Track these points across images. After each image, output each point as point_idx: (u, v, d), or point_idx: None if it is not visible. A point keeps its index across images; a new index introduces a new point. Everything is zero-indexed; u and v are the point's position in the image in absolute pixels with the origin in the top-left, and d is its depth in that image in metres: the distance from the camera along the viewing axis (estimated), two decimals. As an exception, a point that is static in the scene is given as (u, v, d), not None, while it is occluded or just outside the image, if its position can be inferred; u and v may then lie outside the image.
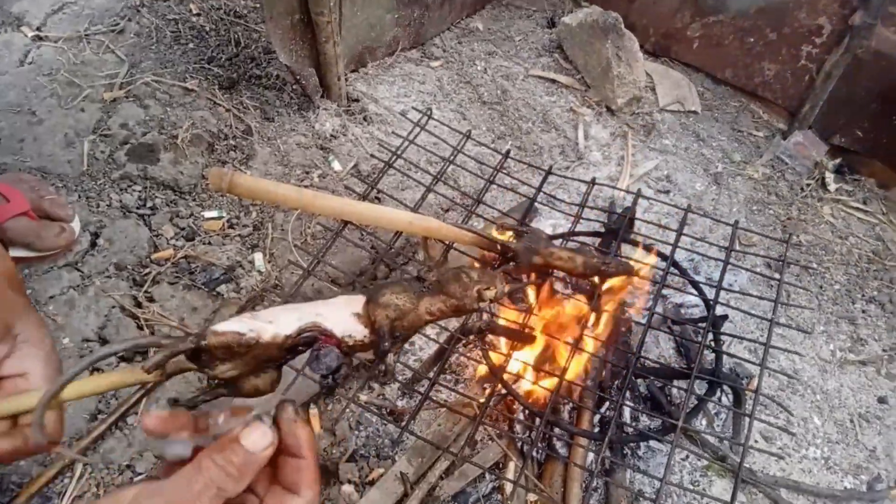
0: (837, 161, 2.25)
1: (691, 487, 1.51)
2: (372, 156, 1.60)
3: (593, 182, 1.61)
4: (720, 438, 1.55)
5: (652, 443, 1.54)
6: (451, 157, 1.53)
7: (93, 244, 1.50)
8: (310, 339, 0.78)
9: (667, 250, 1.44)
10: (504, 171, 1.51)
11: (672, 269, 1.47)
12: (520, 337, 1.43)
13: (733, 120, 2.35)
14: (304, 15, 1.72)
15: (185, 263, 1.54)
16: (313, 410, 1.48)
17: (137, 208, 1.60)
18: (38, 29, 1.91)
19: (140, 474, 1.28)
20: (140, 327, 1.41)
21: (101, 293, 1.42)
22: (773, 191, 2.17)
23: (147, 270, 1.50)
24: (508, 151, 1.58)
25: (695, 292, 1.48)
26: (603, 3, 2.43)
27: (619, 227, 1.53)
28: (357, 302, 0.81)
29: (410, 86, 2.08)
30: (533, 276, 1.37)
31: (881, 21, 2.02)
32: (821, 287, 1.96)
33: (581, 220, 1.47)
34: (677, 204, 2.01)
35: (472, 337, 1.54)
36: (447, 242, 1.39)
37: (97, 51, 1.87)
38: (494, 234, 1.32)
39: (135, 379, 0.72)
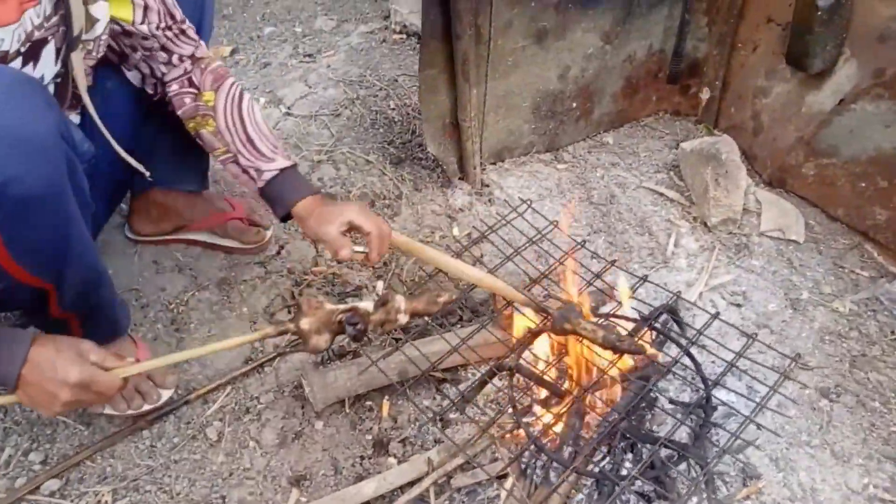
0: (938, 312, 2.26)
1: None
2: (474, 227, 2.15)
3: (644, 278, 1.99)
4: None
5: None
6: (534, 238, 2.04)
7: (278, 252, 2.25)
8: (349, 318, 1.40)
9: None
10: (575, 259, 1.96)
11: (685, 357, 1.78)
12: (538, 380, 1.85)
13: (839, 256, 2.47)
14: (452, 118, 2.36)
15: (331, 277, 2.22)
16: (385, 400, 2.03)
17: (304, 237, 2.33)
18: (289, 108, 2.83)
19: (265, 405, 1.94)
20: (288, 311, 2.09)
21: (273, 286, 2.15)
22: (858, 327, 2.26)
23: (306, 277, 2.20)
24: (584, 241, 2.03)
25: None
26: (734, 134, 2.75)
27: (651, 318, 1.89)
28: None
29: (533, 180, 2.61)
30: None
31: None
32: (873, 424, 2.02)
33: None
34: (743, 321, 2.23)
35: (504, 372, 1.98)
36: (507, 300, 1.88)
37: (319, 126, 2.72)
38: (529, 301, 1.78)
39: (262, 335, 1.42)
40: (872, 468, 1.94)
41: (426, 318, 1.85)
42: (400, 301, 1.61)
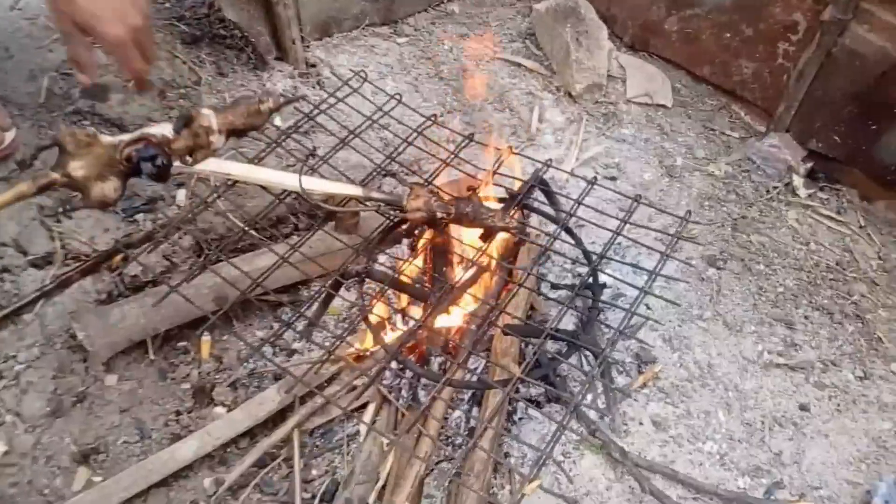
0: (809, 165, 2.14)
1: (556, 457, 1.47)
2: (296, 109, 1.68)
3: (510, 149, 1.62)
4: (593, 411, 1.51)
5: (531, 412, 1.52)
6: (375, 118, 1.59)
7: (30, 164, 1.64)
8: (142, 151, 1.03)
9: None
10: (425, 135, 1.54)
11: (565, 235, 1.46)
12: (395, 284, 1.46)
13: (708, 118, 2.29)
14: (255, -25, 1.83)
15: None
16: (206, 337, 1.56)
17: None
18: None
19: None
20: (52, 239, 1.53)
21: (27, 204, 1.56)
22: (734, 190, 2.10)
23: (75, 194, 1.63)
24: (436, 116, 1.62)
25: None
26: (589, -5, 2.44)
27: (521, 193, 1.53)
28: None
29: (370, 57, 2.15)
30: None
31: (855, 18, 1.93)
32: (761, 288, 1.87)
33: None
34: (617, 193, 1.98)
35: (350, 280, 1.58)
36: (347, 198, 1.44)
37: (83, 4, 2.05)
38: (374, 193, 1.36)
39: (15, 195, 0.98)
40: (765, 333, 1.79)
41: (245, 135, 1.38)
42: (209, 116, 1.13)
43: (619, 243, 1.84)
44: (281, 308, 1.66)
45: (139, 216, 1.64)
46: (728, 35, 2.20)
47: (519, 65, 2.27)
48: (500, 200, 1.64)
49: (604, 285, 1.50)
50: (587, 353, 1.54)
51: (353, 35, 2.19)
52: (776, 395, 1.67)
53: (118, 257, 1.54)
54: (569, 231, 1.51)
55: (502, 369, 1.39)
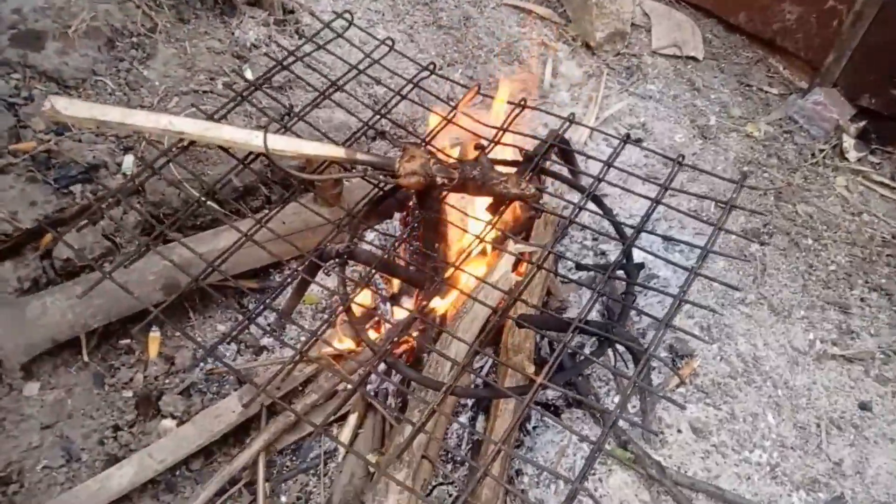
0: (860, 125, 1.87)
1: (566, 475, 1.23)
2: (267, 55, 1.40)
3: (522, 104, 1.35)
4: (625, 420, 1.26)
5: (546, 419, 1.27)
6: (361, 66, 1.30)
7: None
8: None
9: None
10: (421, 86, 1.26)
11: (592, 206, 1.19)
12: (385, 267, 1.20)
13: (743, 73, 2.00)
14: None
15: (44, 158, 1.39)
16: (154, 333, 1.30)
17: (10, 96, 1.46)
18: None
19: None
20: (-33, 215, 1.26)
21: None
22: (776, 153, 1.82)
23: None
24: (433, 65, 1.34)
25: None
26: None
27: (538, 153, 1.26)
28: None
29: (358, 2, 1.86)
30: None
31: (926, -52, 1.64)
32: (811, 266, 1.61)
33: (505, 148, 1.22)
34: (646, 158, 1.70)
35: (329, 263, 1.32)
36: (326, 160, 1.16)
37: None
38: (360, 155, 1.09)
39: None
40: (816, 319, 1.54)
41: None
42: None
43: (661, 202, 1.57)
44: (248, 296, 1.41)
45: (75, 187, 1.36)
46: (770, -26, 1.91)
47: (529, 11, 1.98)
48: (513, 164, 1.37)
49: (641, 265, 1.24)
50: (620, 348, 1.28)
51: (338, -24, 1.90)
52: (832, 393, 1.43)
53: (47, 237, 1.27)
54: (597, 200, 1.24)
55: (515, 370, 1.14)
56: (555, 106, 1.81)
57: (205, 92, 1.57)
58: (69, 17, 1.57)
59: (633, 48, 1.96)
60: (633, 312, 1.38)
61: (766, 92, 1.97)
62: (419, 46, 1.81)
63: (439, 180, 1.07)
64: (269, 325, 1.35)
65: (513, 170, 1.32)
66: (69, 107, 1.02)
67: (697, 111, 1.86)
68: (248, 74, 1.64)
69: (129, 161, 1.43)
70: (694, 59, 1.98)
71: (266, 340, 1.30)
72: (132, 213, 1.33)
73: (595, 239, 1.51)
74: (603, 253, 1.50)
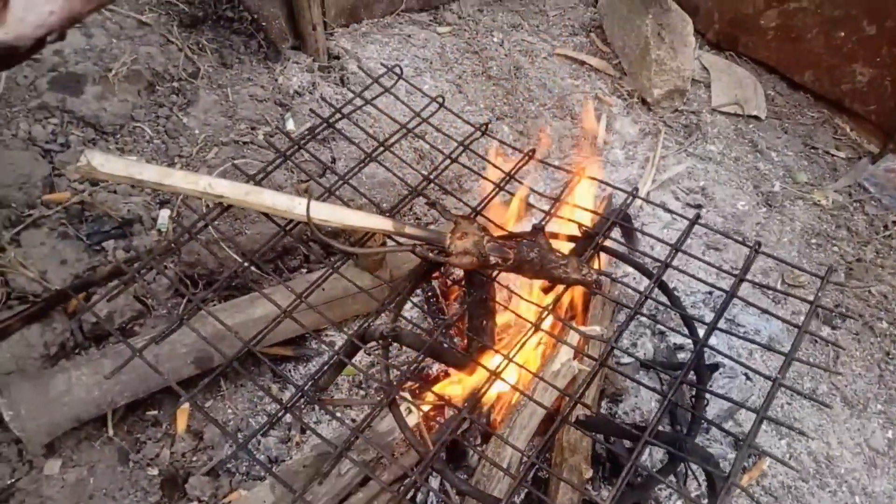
0: (940, 197, 1.74)
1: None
2: (312, 111, 1.32)
3: (580, 174, 1.26)
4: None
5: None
6: (410, 126, 1.23)
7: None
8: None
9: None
10: (472, 150, 1.18)
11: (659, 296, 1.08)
12: (434, 353, 1.10)
13: (808, 134, 1.89)
14: (270, -55, 1.48)
15: (78, 210, 1.32)
16: (183, 406, 1.22)
17: (46, 142, 1.40)
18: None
19: None
20: (-6, 272, 1.19)
21: (-37, 227, 1.23)
22: (845, 224, 1.70)
23: (31, 212, 1.30)
24: (487, 125, 1.26)
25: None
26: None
27: (600, 232, 1.16)
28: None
29: (405, 49, 1.79)
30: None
31: None
32: (887, 353, 1.49)
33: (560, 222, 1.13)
34: (691, 217, 1.59)
35: (372, 345, 1.23)
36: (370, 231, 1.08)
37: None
38: (409, 229, 1.01)
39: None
40: (895, 415, 1.41)
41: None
42: None
43: (709, 293, 1.46)
44: (283, 363, 1.32)
45: (108, 243, 1.29)
46: (841, 34, 1.80)
47: (582, 63, 1.89)
48: (570, 238, 1.27)
49: (715, 367, 1.13)
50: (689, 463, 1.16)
51: (386, 22, 1.83)
52: (916, 502, 1.29)
53: (76, 299, 1.19)
54: (665, 288, 1.14)
55: (571, 486, 1.03)
56: (609, 165, 1.71)
57: (245, 143, 1.50)
58: (110, 60, 1.52)
59: (691, 104, 1.87)
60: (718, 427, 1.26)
61: (833, 156, 1.86)
62: (468, 98, 1.73)
63: (493, 260, 0.98)
64: (302, 404, 1.25)
65: (570, 245, 1.23)
66: (105, 164, 0.94)
67: (760, 175, 1.75)
68: (290, 124, 1.57)
69: (164, 216, 1.36)
70: (756, 118, 1.88)
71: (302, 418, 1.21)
72: (167, 271, 1.25)
73: (653, 329, 1.40)
74: (661, 333, 1.39)
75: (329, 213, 1.01)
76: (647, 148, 1.75)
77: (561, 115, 1.76)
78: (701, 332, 0.98)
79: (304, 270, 1.43)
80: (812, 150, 1.86)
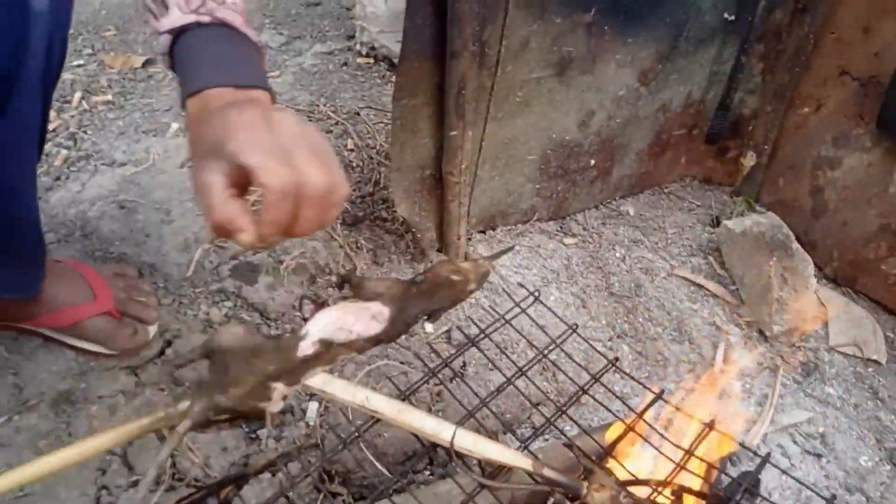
0: None
1: None
2: (453, 322, 1.45)
3: (711, 426, 1.31)
4: None
5: None
6: (546, 351, 1.36)
7: (161, 352, 1.49)
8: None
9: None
10: (602, 383, 1.29)
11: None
12: None
13: (930, 381, 1.88)
14: (435, 171, 1.69)
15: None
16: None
17: (219, 323, 1.58)
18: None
19: None
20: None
21: (145, 406, 1.38)
22: (975, 493, 1.64)
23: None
24: (616, 359, 1.36)
25: None
26: (783, 212, 2.16)
27: (730, 496, 1.19)
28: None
29: (534, 259, 1.94)
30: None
31: None
32: None
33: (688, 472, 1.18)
34: (827, 480, 1.58)
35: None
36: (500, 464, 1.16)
37: (250, 166, 1.99)
38: (548, 471, 1.08)
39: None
40: None
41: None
42: None
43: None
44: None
45: (262, 432, 1.42)
46: (968, 292, 1.83)
47: (700, 286, 1.98)
48: (699, 494, 1.30)
49: None
50: None
51: (519, 230, 2.00)
52: None
53: (227, 489, 1.30)
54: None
55: None
56: (724, 396, 1.75)
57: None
58: (282, 253, 1.72)
59: (808, 339, 1.90)
60: None
61: (958, 410, 1.82)
62: (590, 313, 1.83)
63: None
64: None
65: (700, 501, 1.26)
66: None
67: (882, 427, 1.73)
68: (429, 327, 1.70)
69: (312, 409, 1.48)
70: (876, 362, 1.89)
71: None
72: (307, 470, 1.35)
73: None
74: None
75: (472, 444, 1.10)
76: (763, 382, 1.78)
77: (679, 339, 1.83)
78: None
79: (427, 472, 1.50)
80: (936, 402, 1.84)
